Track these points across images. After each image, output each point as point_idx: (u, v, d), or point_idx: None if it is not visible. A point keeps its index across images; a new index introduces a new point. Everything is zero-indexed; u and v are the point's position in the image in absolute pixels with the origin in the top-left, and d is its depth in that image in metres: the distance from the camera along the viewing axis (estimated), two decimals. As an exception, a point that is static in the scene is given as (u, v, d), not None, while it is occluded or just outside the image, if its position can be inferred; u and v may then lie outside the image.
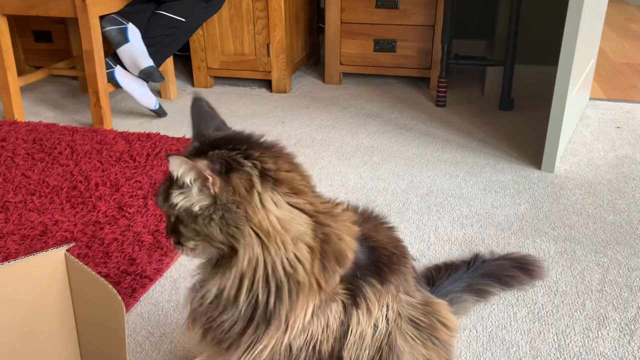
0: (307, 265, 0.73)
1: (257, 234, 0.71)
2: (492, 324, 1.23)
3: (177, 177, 0.70)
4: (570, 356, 1.14)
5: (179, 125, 2.42)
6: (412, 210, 1.72)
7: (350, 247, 0.78)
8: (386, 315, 0.83)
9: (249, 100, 2.77)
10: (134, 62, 2.37)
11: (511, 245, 1.52)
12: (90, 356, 0.96)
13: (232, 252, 0.73)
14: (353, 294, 0.80)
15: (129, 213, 1.66)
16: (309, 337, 0.77)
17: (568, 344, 1.18)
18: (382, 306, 0.82)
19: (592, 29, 2.18)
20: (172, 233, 0.77)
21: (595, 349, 1.16)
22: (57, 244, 1.53)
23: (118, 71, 2.40)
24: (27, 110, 2.52)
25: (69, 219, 1.63)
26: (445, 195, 1.81)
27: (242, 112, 2.59)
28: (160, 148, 2.15)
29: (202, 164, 0.68)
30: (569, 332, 1.21)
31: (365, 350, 0.82)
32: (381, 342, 0.83)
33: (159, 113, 2.51)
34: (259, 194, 0.70)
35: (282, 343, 0.75)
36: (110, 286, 0.80)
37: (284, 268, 0.73)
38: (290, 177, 0.74)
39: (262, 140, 0.77)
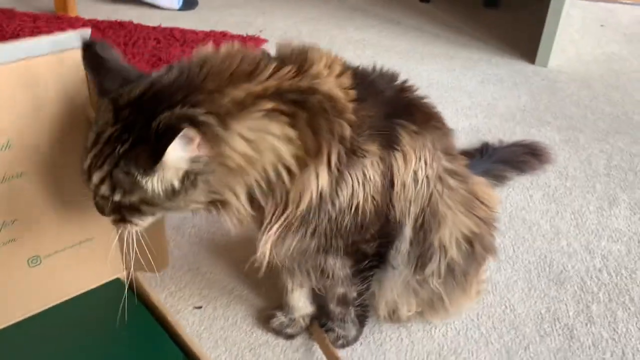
0: (292, 160, 0.68)
1: (237, 174, 0.66)
2: (511, 206, 1.26)
3: (167, 159, 0.61)
4: (589, 232, 1.19)
5: (151, 12, 2.24)
6: (414, 102, 1.69)
7: (336, 87, 0.71)
8: (425, 172, 0.78)
9: (223, -10, 2.58)
10: None
11: (517, 135, 1.53)
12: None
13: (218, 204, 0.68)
14: (387, 139, 0.74)
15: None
16: (347, 199, 0.72)
17: (585, 222, 1.22)
18: (419, 159, 0.77)
19: None
20: (114, 213, 0.69)
21: (610, 226, 1.20)
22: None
23: None
24: (-25, -5, 2.25)
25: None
26: (444, 88, 1.79)
27: (217, 3, 2.42)
28: (137, 37, 1.99)
29: (192, 132, 0.60)
30: (584, 212, 1.25)
31: (410, 204, 0.79)
32: (423, 204, 0.80)
33: (187, 8, 2.32)
34: (226, 138, 0.63)
35: (302, 213, 0.72)
36: None
37: (275, 175, 0.68)
38: (241, 91, 0.65)
39: (190, 74, 0.66)
